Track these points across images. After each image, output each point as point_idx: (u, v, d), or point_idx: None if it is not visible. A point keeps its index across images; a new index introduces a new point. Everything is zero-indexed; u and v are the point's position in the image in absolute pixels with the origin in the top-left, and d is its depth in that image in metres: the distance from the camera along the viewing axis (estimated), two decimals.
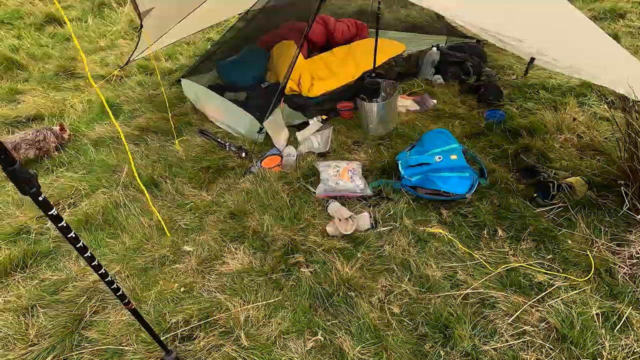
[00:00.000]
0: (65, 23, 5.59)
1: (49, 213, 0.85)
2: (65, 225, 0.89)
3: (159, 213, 2.41)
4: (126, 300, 1.18)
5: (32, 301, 1.95)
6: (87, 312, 1.90)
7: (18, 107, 3.69)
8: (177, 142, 2.94)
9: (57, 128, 3.12)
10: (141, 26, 2.41)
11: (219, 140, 3.02)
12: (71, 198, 2.59)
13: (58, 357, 1.72)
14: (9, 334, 1.80)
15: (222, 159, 2.85)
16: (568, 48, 1.93)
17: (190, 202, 2.50)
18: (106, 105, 1.75)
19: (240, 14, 4.67)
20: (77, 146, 3.11)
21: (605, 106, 3.01)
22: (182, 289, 1.98)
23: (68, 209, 2.52)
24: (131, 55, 3.73)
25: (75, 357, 1.71)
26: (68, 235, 0.91)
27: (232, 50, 3.72)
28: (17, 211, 2.50)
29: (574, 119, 2.83)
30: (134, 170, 1.94)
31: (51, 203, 0.88)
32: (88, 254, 0.98)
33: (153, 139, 3.08)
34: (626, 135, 2.14)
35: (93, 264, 1.00)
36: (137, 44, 3.33)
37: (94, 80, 4.09)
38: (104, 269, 1.06)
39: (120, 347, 1.74)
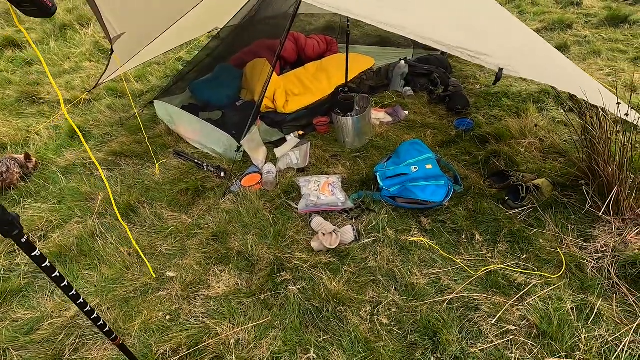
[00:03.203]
0: (24, 46, 5.38)
1: (32, 254, 0.83)
2: (49, 264, 0.87)
3: (139, 240, 2.35)
4: (113, 336, 1.15)
5: (3, 344, 1.84)
6: (67, 351, 1.81)
7: None
8: (157, 165, 2.88)
9: (21, 157, 2.98)
10: (112, 51, 2.37)
11: (196, 161, 2.99)
12: (41, 230, 2.47)
13: None
14: None
15: (200, 180, 2.82)
16: (528, 62, 2.08)
17: (170, 226, 2.45)
18: (77, 129, 1.70)
19: (210, 32, 4.69)
20: (45, 175, 2.98)
21: (562, 111, 3.24)
22: (168, 317, 1.93)
23: (39, 241, 2.40)
24: (100, 79, 3.64)
25: None
26: (52, 275, 0.88)
27: (205, 69, 3.72)
28: None
29: (536, 125, 3.02)
30: (114, 203, 1.89)
31: (33, 244, 0.85)
32: (73, 292, 0.95)
33: (127, 163, 3.00)
34: (583, 139, 2.32)
35: (79, 301, 0.97)
36: (106, 67, 3.26)
37: (59, 105, 3.94)
38: (90, 306, 1.02)
39: None
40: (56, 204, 2.68)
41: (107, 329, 1.11)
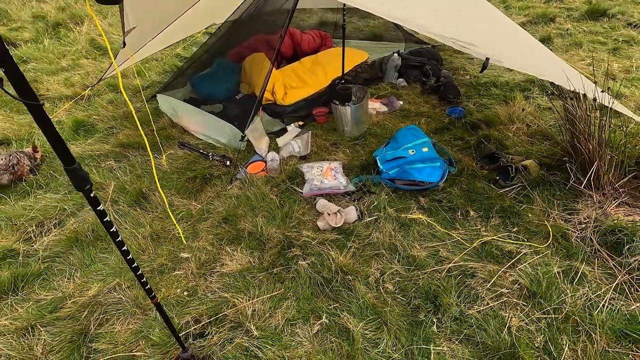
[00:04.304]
0: (18, 44, 5.38)
1: (97, 208, 0.95)
2: (108, 220, 0.99)
3: (152, 225, 2.46)
4: (152, 294, 1.27)
5: (31, 321, 1.94)
6: (92, 326, 1.92)
7: None
8: (164, 156, 2.99)
9: (29, 150, 3.06)
10: (124, 44, 2.47)
11: (201, 151, 3.10)
12: (56, 218, 2.56)
13: None
14: (11, 355, 1.78)
15: (207, 169, 2.93)
16: (514, 51, 2.26)
17: (181, 211, 2.56)
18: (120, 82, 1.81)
19: (207, 28, 4.79)
20: (53, 167, 3.05)
21: (546, 97, 3.44)
22: (186, 293, 2.05)
23: (54, 228, 2.49)
24: (105, 72, 3.72)
25: None
26: (111, 230, 1.01)
27: (204, 64, 3.82)
28: None
29: (523, 110, 3.21)
30: (155, 175, 1.99)
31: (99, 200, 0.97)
32: (125, 248, 1.07)
33: (135, 154, 3.09)
34: (565, 120, 2.51)
35: (128, 257, 1.09)
36: (113, 60, 3.33)
37: (61, 101, 4.00)
38: (136, 263, 1.15)
39: (132, 354, 1.78)
40: (67, 194, 2.77)
41: (148, 287, 1.23)
